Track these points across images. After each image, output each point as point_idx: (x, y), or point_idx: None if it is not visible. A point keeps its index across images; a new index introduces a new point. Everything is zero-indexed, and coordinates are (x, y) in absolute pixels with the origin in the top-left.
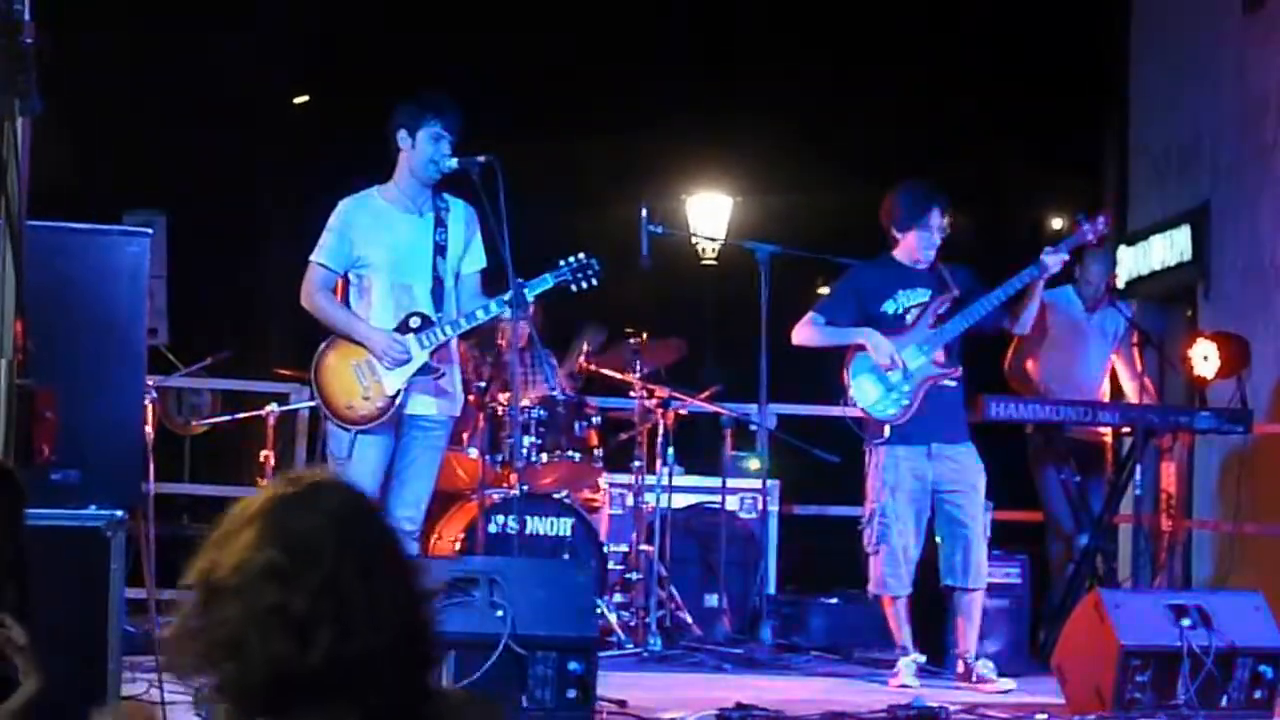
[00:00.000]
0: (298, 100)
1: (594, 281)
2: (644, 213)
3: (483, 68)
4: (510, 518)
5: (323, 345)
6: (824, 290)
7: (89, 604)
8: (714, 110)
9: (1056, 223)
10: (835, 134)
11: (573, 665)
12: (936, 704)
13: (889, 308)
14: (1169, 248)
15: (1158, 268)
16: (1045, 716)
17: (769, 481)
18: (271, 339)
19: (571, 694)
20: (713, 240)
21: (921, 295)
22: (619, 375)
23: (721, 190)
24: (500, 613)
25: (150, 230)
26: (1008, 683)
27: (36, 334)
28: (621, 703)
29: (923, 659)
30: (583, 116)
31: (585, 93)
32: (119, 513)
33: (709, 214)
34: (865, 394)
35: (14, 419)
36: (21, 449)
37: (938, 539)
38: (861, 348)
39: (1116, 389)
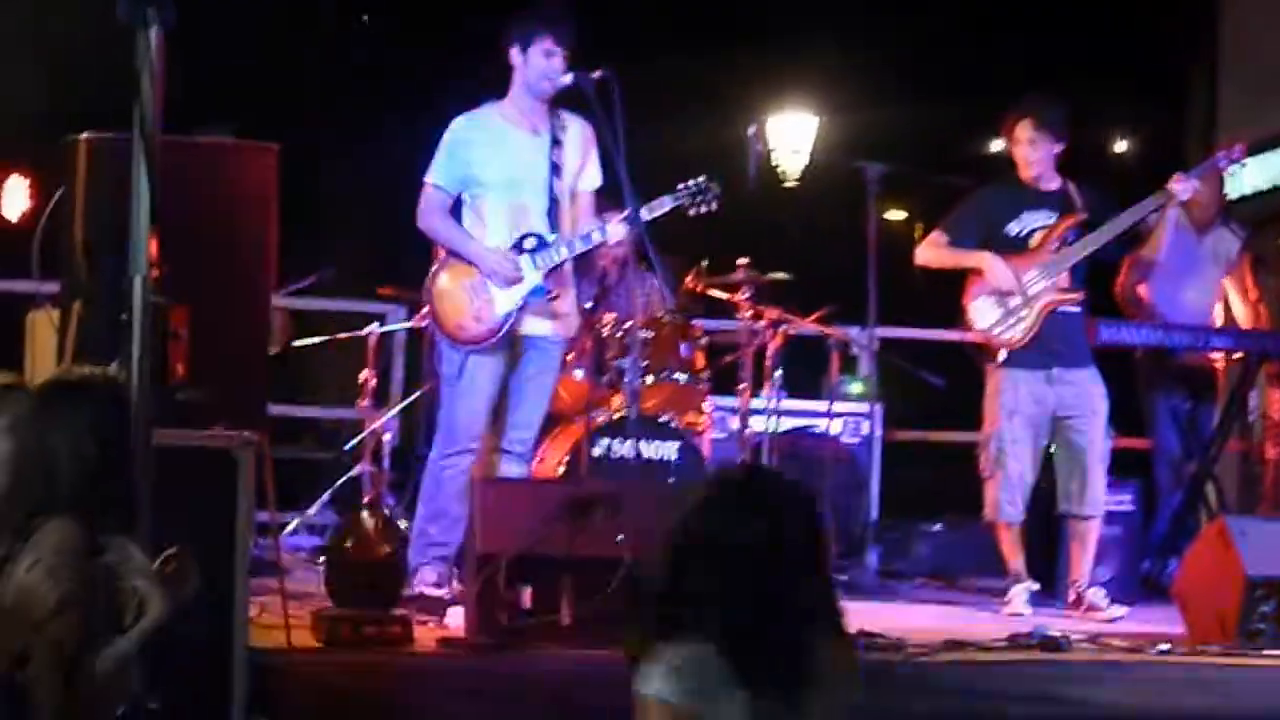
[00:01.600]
0: (364, 18)
1: (713, 205)
2: (751, 132)
3: None
4: (615, 440)
5: (436, 265)
6: (896, 214)
7: (216, 526)
8: (796, 25)
9: (1120, 146)
10: (917, 50)
11: None
12: (1058, 633)
13: (1013, 229)
14: (1264, 170)
15: (1248, 192)
16: (1167, 646)
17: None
18: (334, 257)
19: None
20: (809, 160)
21: (1047, 217)
22: (727, 296)
23: (807, 109)
24: (620, 537)
25: (276, 145)
26: (1118, 610)
27: (165, 249)
28: None
29: (1036, 586)
30: (658, 34)
31: (662, 9)
32: (247, 432)
33: (792, 134)
34: (984, 317)
35: (148, 336)
36: (157, 368)
37: (1055, 465)
38: (982, 271)
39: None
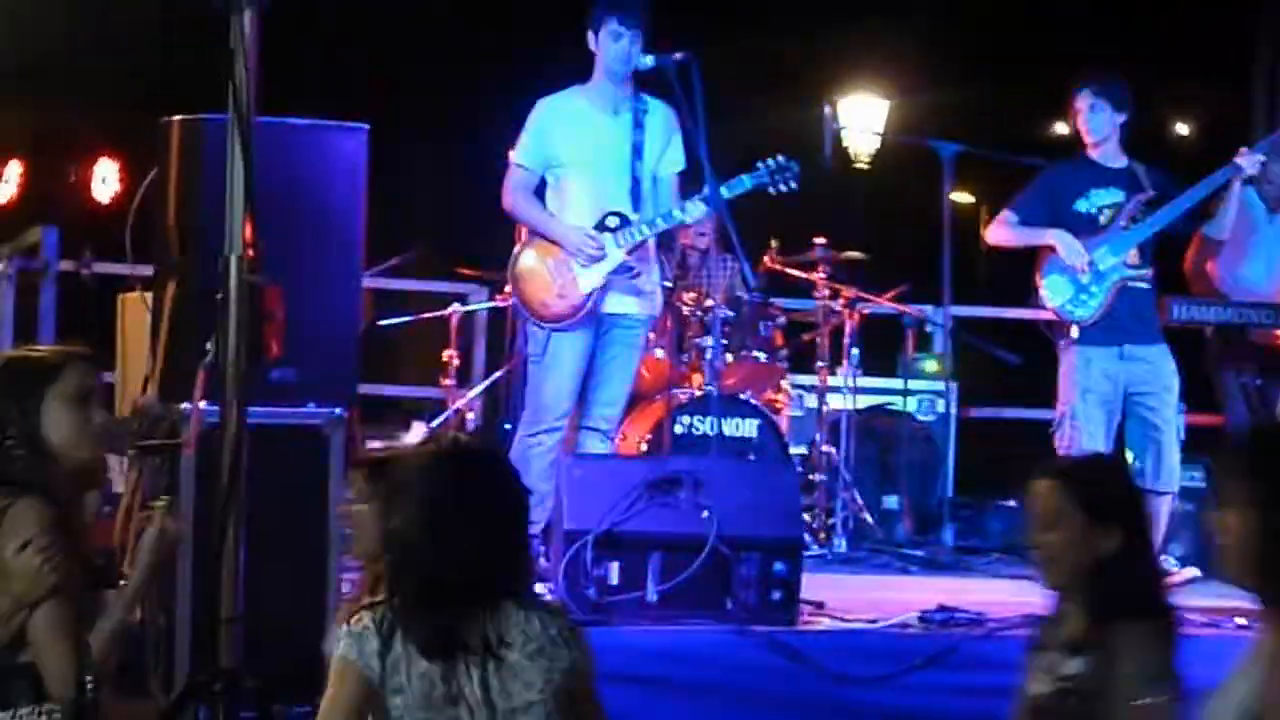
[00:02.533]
0: None
1: (793, 184)
2: (827, 111)
3: None
4: (696, 418)
5: (520, 245)
6: (963, 197)
7: (308, 503)
8: (868, 7)
9: (1183, 128)
10: (984, 33)
11: (778, 566)
12: None
13: (1081, 206)
14: None
15: None
16: (1243, 620)
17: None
18: (416, 238)
19: (776, 596)
20: (881, 142)
21: (1115, 195)
22: (804, 275)
23: (876, 93)
24: (705, 514)
25: (367, 125)
26: (1192, 570)
27: (259, 229)
28: (820, 604)
29: None
30: (737, 17)
31: None
32: (338, 410)
33: (864, 116)
34: (1056, 294)
35: (244, 316)
36: (252, 347)
37: (1128, 442)
38: (1053, 248)
39: None
